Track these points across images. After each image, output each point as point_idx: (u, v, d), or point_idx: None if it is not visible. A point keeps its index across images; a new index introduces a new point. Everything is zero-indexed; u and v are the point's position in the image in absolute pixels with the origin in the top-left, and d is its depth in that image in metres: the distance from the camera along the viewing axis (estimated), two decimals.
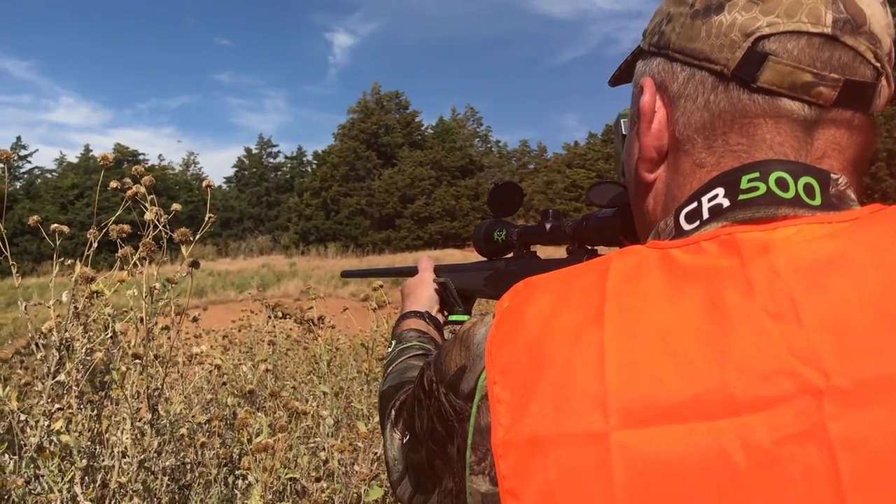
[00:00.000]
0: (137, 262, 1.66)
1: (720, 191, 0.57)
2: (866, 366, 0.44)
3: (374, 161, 43.01)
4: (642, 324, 0.51)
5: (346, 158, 42.38)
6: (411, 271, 1.33)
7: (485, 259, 1.21)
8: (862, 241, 0.50)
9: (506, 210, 1.16)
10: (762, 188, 0.55)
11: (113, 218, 1.75)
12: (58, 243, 1.88)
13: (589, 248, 1.00)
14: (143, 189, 1.72)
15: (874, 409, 0.43)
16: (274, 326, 4.93)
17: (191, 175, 57.74)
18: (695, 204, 0.59)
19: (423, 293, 1.25)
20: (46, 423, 1.79)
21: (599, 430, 0.49)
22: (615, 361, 0.50)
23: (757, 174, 0.56)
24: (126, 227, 1.64)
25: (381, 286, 2.78)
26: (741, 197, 0.56)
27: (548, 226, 1.07)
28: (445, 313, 1.26)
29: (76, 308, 1.79)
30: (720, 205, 0.57)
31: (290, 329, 4.69)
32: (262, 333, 4.63)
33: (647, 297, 0.53)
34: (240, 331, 4.95)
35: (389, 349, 1.13)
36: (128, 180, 1.75)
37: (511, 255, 1.17)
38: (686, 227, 0.59)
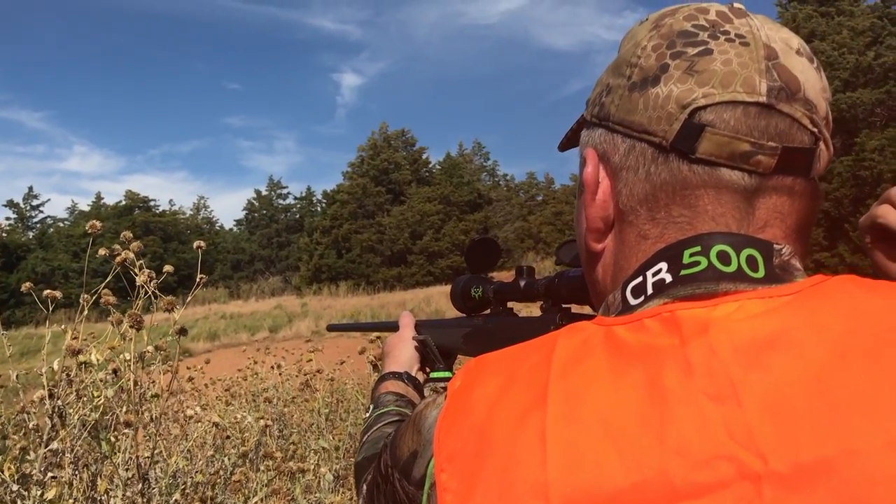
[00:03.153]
0: (128, 328, 1.67)
1: (663, 265, 0.57)
2: (804, 448, 0.43)
3: (383, 197, 43.23)
4: (585, 407, 0.50)
5: (356, 196, 42.62)
6: (393, 327, 1.32)
7: (463, 315, 1.21)
8: (802, 316, 0.49)
9: (483, 266, 1.17)
10: (703, 263, 0.55)
11: (103, 284, 1.77)
12: (50, 309, 1.89)
13: (563, 305, 1.00)
14: (131, 255, 1.73)
15: (812, 495, 0.42)
16: (279, 374, 4.93)
17: (202, 219, 58.18)
18: (640, 278, 0.58)
19: (403, 352, 1.24)
20: (39, 492, 1.78)
21: None
22: (557, 448, 0.49)
23: (699, 248, 0.56)
24: (111, 299, 1.64)
25: (378, 337, 2.77)
26: (683, 272, 0.55)
27: (522, 283, 1.08)
28: (427, 370, 1.26)
29: (68, 375, 1.80)
30: (663, 280, 0.56)
31: (295, 376, 4.68)
32: (267, 385, 4.60)
33: (591, 378, 0.52)
34: (245, 380, 4.94)
35: (367, 414, 1.12)
36: (117, 247, 1.77)
37: (489, 311, 1.17)
38: (632, 301, 0.58)
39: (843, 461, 0.42)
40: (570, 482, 0.48)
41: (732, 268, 0.54)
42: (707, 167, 0.57)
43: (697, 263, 0.55)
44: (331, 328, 1.71)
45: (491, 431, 0.53)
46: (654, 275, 0.57)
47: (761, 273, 0.54)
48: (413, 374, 1.20)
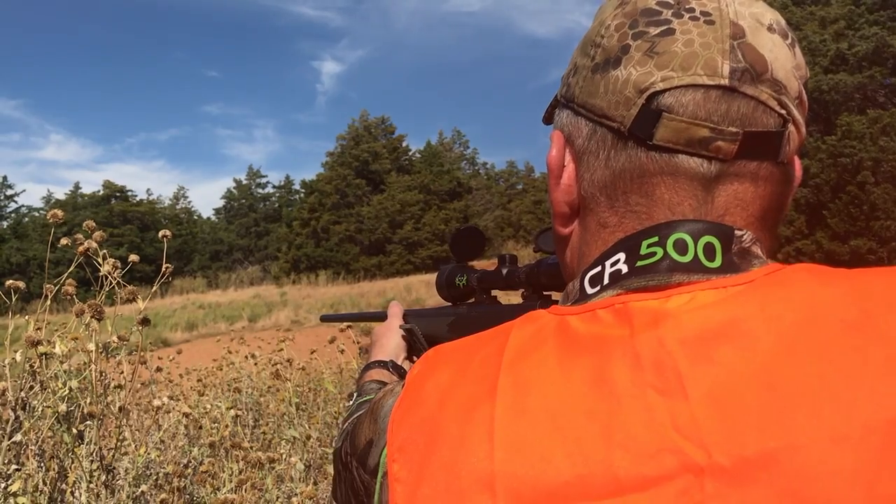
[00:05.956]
0: (89, 319, 1.65)
1: (621, 255, 0.56)
2: (748, 441, 0.43)
3: (363, 188, 43.01)
4: (533, 398, 0.50)
5: (336, 185, 42.39)
6: (382, 316, 1.33)
7: (449, 304, 1.22)
8: (753, 306, 0.49)
9: (468, 255, 1.17)
10: (659, 253, 0.54)
11: (66, 274, 1.74)
12: (13, 301, 1.86)
13: (544, 293, 1.00)
14: (94, 244, 1.71)
15: (754, 489, 0.42)
16: (255, 364, 4.89)
17: (180, 209, 57.57)
18: (598, 268, 0.58)
19: (390, 341, 1.24)
20: (3, 485, 1.76)
21: None
22: (504, 440, 0.49)
23: (656, 238, 0.55)
24: (71, 289, 1.62)
25: (349, 327, 2.76)
26: (639, 263, 0.55)
27: (504, 271, 1.08)
28: (414, 359, 1.26)
29: (31, 367, 1.77)
30: (619, 270, 0.56)
31: (267, 365, 4.66)
32: (240, 375, 4.58)
33: (541, 369, 0.52)
34: (221, 369, 4.91)
35: (350, 402, 1.12)
36: (80, 236, 1.75)
37: (473, 300, 1.17)
38: (589, 291, 0.57)
39: (785, 455, 0.42)
40: (516, 474, 0.48)
41: (688, 258, 0.53)
42: (665, 154, 0.55)
43: (654, 254, 0.54)
44: (324, 319, 1.73)
45: (441, 422, 0.53)
46: (613, 265, 0.57)
47: (717, 262, 0.53)
48: (399, 362, 1.21)
